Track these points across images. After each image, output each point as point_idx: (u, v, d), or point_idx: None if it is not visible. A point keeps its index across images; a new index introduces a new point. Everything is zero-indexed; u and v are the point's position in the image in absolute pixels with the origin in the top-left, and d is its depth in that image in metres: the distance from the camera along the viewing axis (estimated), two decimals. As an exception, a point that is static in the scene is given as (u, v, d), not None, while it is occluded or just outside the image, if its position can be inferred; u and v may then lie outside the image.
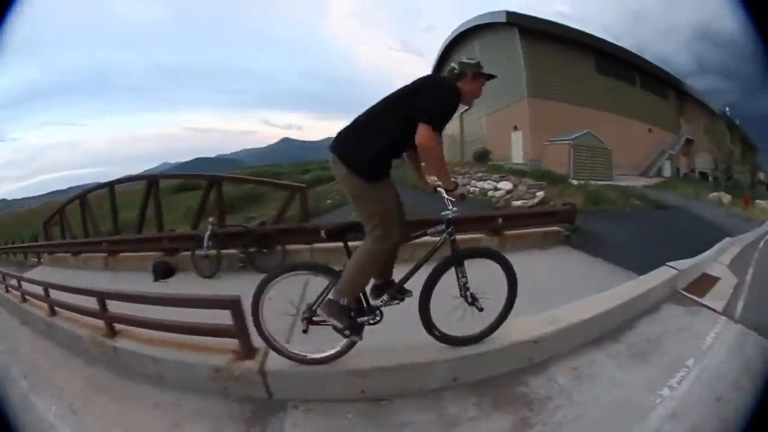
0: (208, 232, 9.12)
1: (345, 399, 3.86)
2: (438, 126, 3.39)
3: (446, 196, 3.93)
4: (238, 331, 4.02)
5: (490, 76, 3.93)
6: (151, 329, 4.62)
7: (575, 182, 19.68)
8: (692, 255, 7.95)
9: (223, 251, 9.04)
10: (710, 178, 29.40)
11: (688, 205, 18.53)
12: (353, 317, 3.75)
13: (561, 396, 3.96)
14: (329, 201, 22.90)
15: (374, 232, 3.60)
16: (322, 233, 3.90)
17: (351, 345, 3.88)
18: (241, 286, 7.67)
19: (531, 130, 26.22)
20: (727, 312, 6.20)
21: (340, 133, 3.68)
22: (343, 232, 3.87)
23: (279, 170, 41.40)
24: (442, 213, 3.91)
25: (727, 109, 38.09)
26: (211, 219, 9.82)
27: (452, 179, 3.84)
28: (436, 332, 4.06)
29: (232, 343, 4.14)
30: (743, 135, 37.28)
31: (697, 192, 24.06)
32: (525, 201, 17.32)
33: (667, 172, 32.17)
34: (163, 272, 9.16)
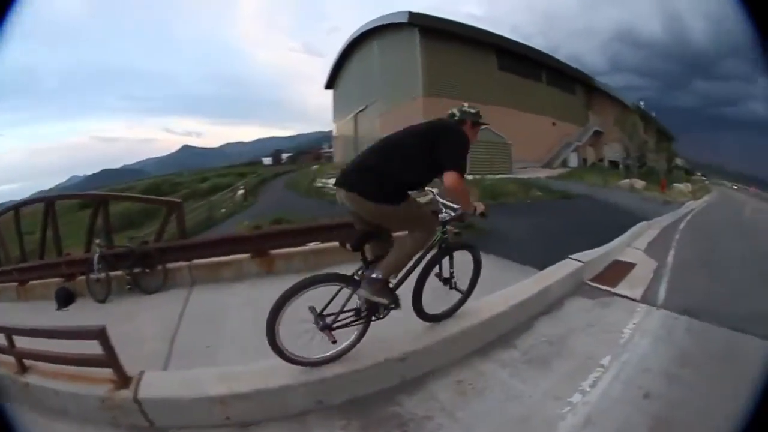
0: (97, 255, 8.54)
1: (214, 425, 3.65)
2: (463, 171, 3.79)
3: (440, 200, 4.49)
4: (110, 360, 3.85)
5: (484, 124, 4.43)
6: (43, 362, 4.41)
7: (470, 177, 18.94)
8: (603, 243, 7.40)
9: (113, 273, 8.47)
10: (621, 167, 29.81)
11: (597, 193, 18.10)
12: (395, 293, 4.03)
13: (442, 414, 3.51)
14: (224, 210, 22.34)
15: (420, 226, 4.01)
16: (348, 247, 3.99)
17: (361, 336, 3.98)
18: (129, 310, 7.25)
19: None
20: (648, 298, 5.56)
21: (352, 174, 3.94)
22: (365, 242, 4.01)
23: (179, 179, 40.10)
24: (440, 216, 4.30)
25: (642, 102, 39.77)
26: (98, 240, 9.27)
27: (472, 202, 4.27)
28: (424, 314, 4.32)
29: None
30: (658, 126, 39.02)
31: (606, 180, 23.93)
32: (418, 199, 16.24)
33: (573, 162, 32.88)
34: (64, 299, 8.44)
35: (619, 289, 5.86)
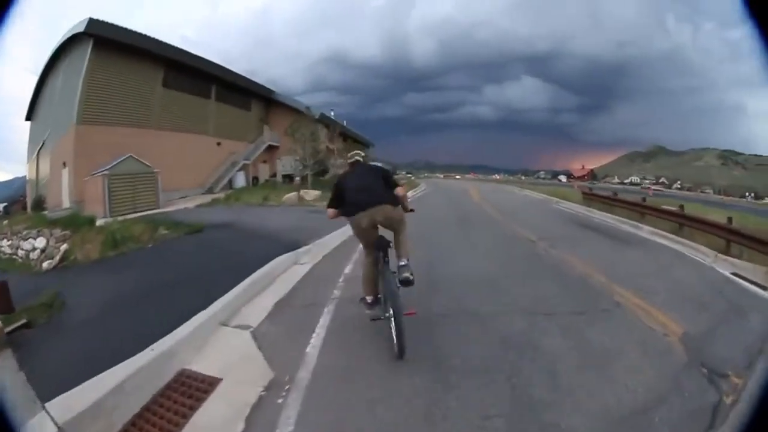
0: None
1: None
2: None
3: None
4: None
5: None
6: None
7: (102, 222, 14.22)
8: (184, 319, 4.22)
9: None
10: (297, 179, 27.34)
11: (245, 215, 14.16)
12: None
13: None
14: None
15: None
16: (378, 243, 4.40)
17: None
18: None
19: (75, 165, 20.32)
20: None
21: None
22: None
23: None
24: None
25: (332, 112, 39.17)
26: None
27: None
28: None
29: None
30: (346, 132, 38.60)
31: (267, 197, 20.48)
32: (51, 261, 11.63)
33: (241, 182, 29.51)
34: None
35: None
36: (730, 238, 9.00)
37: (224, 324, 4.47)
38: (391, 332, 3.86)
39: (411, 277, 4.14)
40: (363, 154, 4.98)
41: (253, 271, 6.00)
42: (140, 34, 22.36)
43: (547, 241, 9.26)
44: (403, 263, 4.25)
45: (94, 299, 6.62)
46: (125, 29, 21.58)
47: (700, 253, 8.74)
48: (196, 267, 7.46)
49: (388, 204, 4.32)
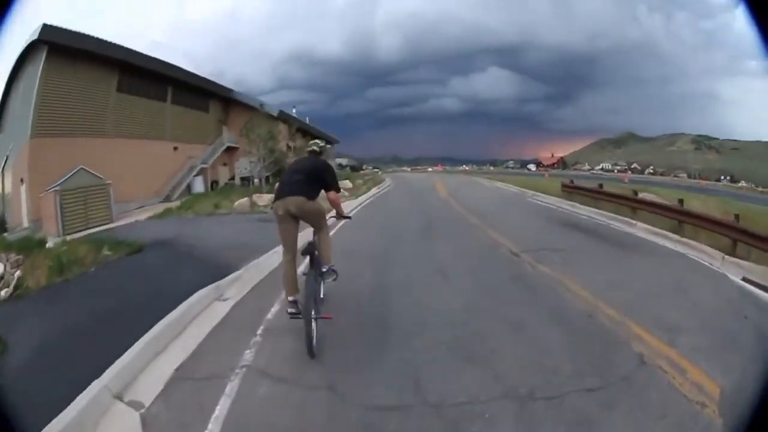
0: None
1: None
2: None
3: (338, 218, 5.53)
4: None
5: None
6: None
7: (51, 244, 13.30)
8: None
9: None
10: (255, 181, 26.19)
11: (189, 229, 12.94)
12: None
13: None
14: None
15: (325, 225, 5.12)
16: (300, 252, 4.68)
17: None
18: None
19: (31, 181, 19.48)
20: None
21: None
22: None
23: None
24: None
25: (294, 109, 38.03)
26: None
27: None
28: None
29: None
30: (307, 129, 37.59)
31: (219, 204, 19.64)
32: (7, 289, 10.86)
33: (199, 187, 28.57)
34: None
35: None
36: (740, 239, 8.35)
37: (119, 397, 3.78)
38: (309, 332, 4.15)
39: (332, 280, 4.93)
40: (322, 144, 5.34)
41: (169, 311, 5.35)
42: (93, 38, 21.37)
43: (533, 254, 8.09)
44: (324, 269, 4.74)
45: (32, 340, 5.88)
46: (78, 34, 20.63)
47: (706, 255, 8.13)
48: (124, 300, 6.68)
49: (303, 196, 4.61)
